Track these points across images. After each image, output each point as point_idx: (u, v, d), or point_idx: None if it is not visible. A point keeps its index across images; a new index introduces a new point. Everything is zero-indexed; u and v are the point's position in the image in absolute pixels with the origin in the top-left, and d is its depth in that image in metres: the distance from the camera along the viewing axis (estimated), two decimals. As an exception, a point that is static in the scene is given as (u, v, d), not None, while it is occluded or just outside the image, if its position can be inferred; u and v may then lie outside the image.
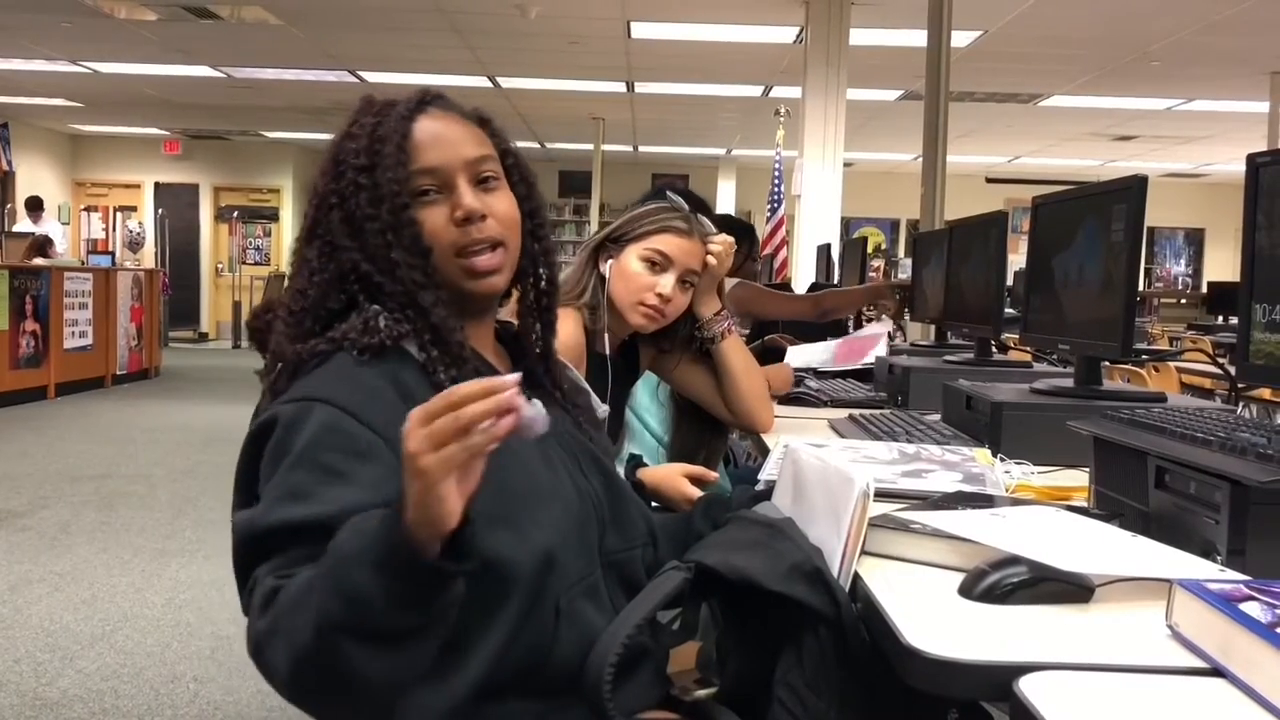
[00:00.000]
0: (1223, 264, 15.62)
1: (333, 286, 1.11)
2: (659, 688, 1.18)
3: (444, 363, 1.08)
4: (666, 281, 1.89)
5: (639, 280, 1.89)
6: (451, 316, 1.11)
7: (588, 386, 1.35)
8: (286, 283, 1.16)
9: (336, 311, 1.11)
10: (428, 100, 1.17)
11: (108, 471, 5.64)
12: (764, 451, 1.87)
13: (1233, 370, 1.64)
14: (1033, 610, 0.94)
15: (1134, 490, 1.20)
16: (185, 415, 7.82)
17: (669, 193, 1.97)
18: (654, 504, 1.83)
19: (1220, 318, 9.57)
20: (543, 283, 1.25)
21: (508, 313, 1.29)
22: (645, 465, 1.90)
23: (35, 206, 11.89)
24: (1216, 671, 0.80)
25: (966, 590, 0.98)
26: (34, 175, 14.15)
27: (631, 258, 1.90)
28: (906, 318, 3.44)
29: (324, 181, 1.14)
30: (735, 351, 1.98)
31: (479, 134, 1.18)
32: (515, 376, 0.85)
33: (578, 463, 1.19)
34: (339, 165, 1.13)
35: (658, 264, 1.89)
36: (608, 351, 1.91)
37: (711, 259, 1.94)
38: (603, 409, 1.38)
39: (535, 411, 0.87)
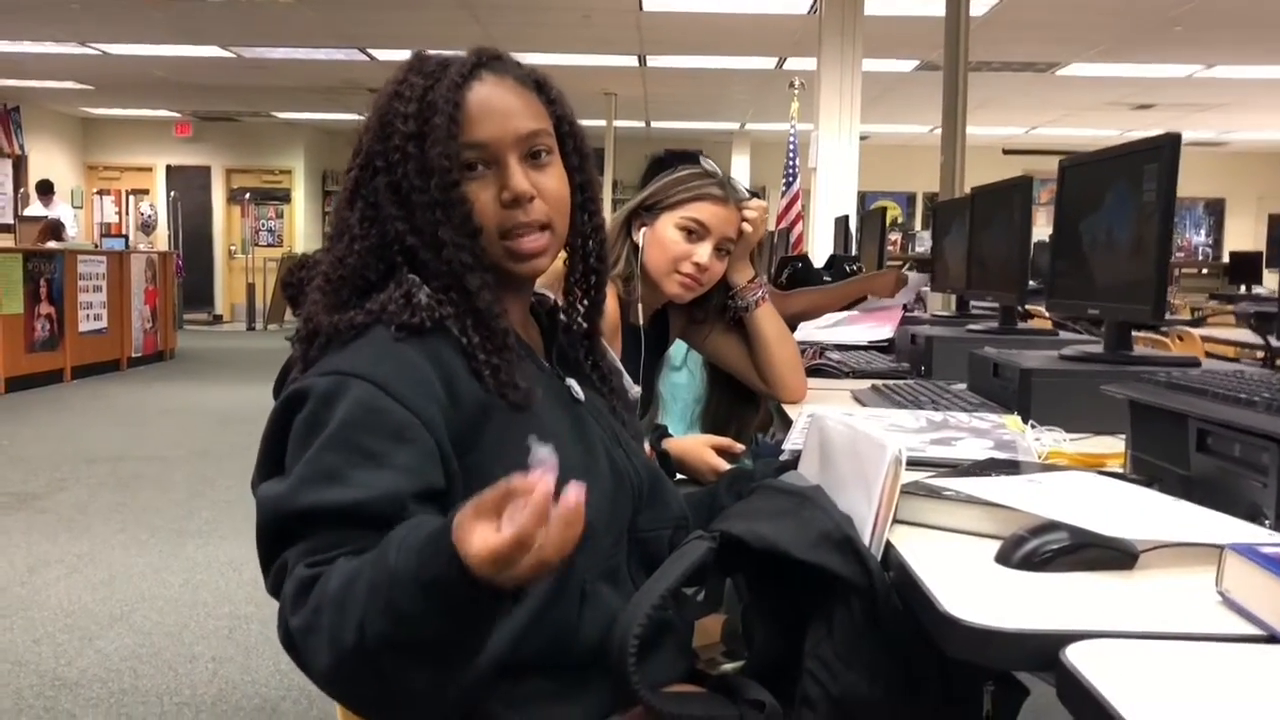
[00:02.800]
0: (1243, 234, 15.45)
1: (373, 255, 1.07)
2: (684, 660, 1.15)
3: (485, 349, 1.04)
4: (704, 250, 1.85)
5: (675, 249, 1.85)
6: (496, 301, 1.07)
7: (622, 368, 1.32)
8: (325, 244, 1.12)
9: (374, 281, 1.07)
10: (482, 63, 1.10)
11: (124, 453, 5.65)
12: (786, 425, 1.84)
13: (1271, 339, 1.59)
14: (1074, 578, 0.90)
15: (1174, 454, 1.16)
16: (200, 397, 7.84)
17: (702, 159, 1.92)
18: (679, 475, 1.80)
19: (1242, 287, 9.46)
20: (592, 259, 1.21)
21: (551, 285, 1.25)
22: (670, 435, 1.87)
23: (46, 190, 11.92)
24: (1272, 638, 0.76)
25: (1004, 557, 0.94)
26: (46, 159, 14.17)
27: (667, 226, 1.86)
28: (927, 287, 3.34)
29: (369, 139, 1.08)
30: (768, 320, 1.95)
31: (534, 102, 1.12)
32: (581, 493, 0.80)
33: (617, 441, 1.16)
34: (385, 127, 1.07)
35: (695, 232, 1.85)
36: (642, 322, 1.87)
37: (747, 225, 1.90)
38: (634, 390, 1.34)
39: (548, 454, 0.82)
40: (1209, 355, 4.20)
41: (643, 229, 1.88)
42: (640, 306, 1.87)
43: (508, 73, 1.12)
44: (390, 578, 0.82)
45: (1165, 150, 1.61)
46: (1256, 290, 8.87)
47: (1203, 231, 15.94)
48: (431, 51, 1.13)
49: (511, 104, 1.10)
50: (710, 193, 1.86)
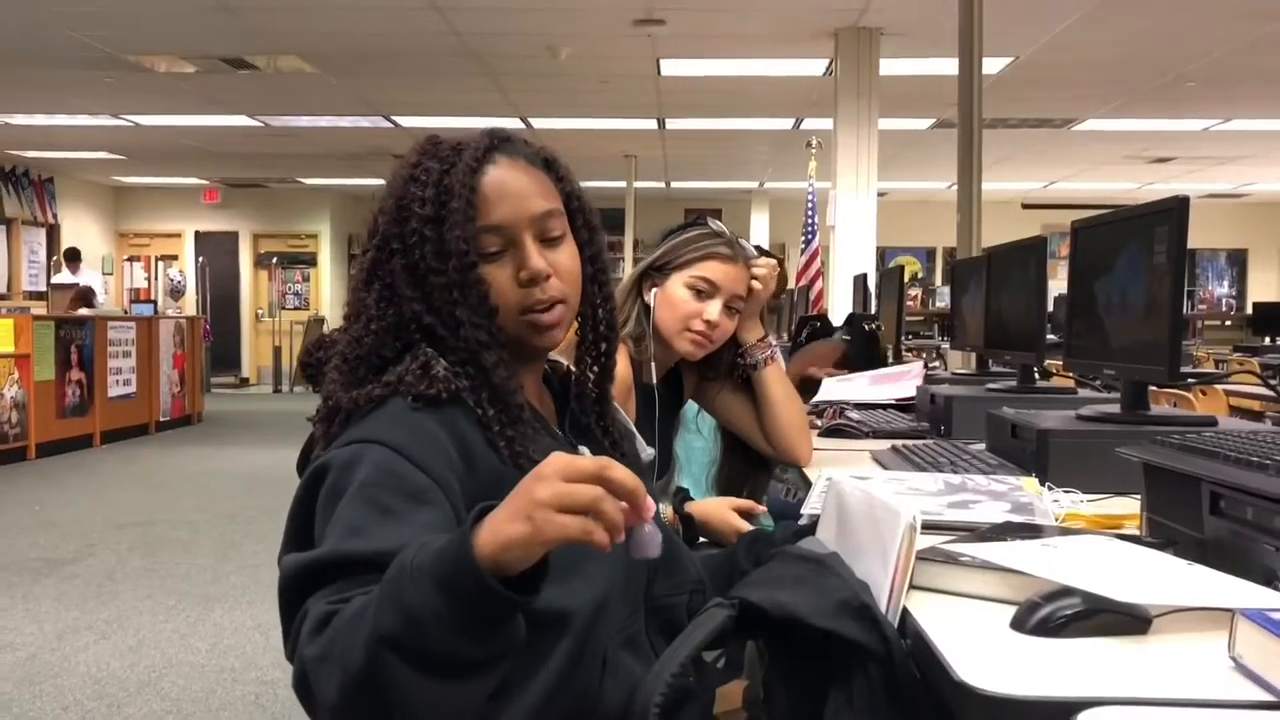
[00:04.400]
0: (1266, 284, 15.38)
1: (389, 334, 1.10)
2: (706, 728, 1.16)
3: (500, 421, 1.07)
4: (713, 308, 1.88)
5: (685, 308, 1.88)
6: (512, 377, 1.10)
7: (635, 431, 1.34)
8: (343, 323, 1.15)
9: (390, 359, 1.10)
10: (495, 146, 1.14)
11: (152, 518, 5.69)
12: (806, 485, 1.85)
13: (1285, 392, 1.60)
14: (1088, 643, 0.91)
15: (1188, 517, 1.17)
16: (228, 460, 7.89)
17: (710, 220, 1.97)
18: (701, 539, 1.82)
19: (1267, 338, 9.41)
20: (602, 327, 1.24)
21: (563, 352, 1.29)
22: (692, 499, 1.89)
23: (73, 258, 12.10)
24: (1284, 705, 0.77)
25: (1019, 623, 0.95)
26: (79, 228, 14.44)
27: (677, 285, 1.90)
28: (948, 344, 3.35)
29: (385, 223, 1.12)
30: (776, 380, 1.96)
31: (545, 182, 1.16)
32: (653, 506, 0.87)
33: None
34: (402, 211, 1.11)
35: (704, 291, 1.88)
36: (654, 382, 1.90)
37: (756, 284, 1.93)
38: (648, 452, 1.37)
39: (653, 532, 0.88)
40: (1234, 409, 4.18)
41: (653, 289, 1.91)
42: (653, 366, 1.90)
43: (519, 154, 1.16)
44: (400, 570, 0.83)
45: (1175, 212, 1.63)
46: (1281, 341, 8.83)
47: (1225, 283, 15.86)
48: (443, 134, 1.17)
49: (525, 186, 1.14)
50: (718, 251, 1.90)
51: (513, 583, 0.82)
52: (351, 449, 1.01)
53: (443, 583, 0.81)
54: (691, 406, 2.11)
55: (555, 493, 0.81)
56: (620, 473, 0.83)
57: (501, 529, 0.82)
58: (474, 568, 0.80)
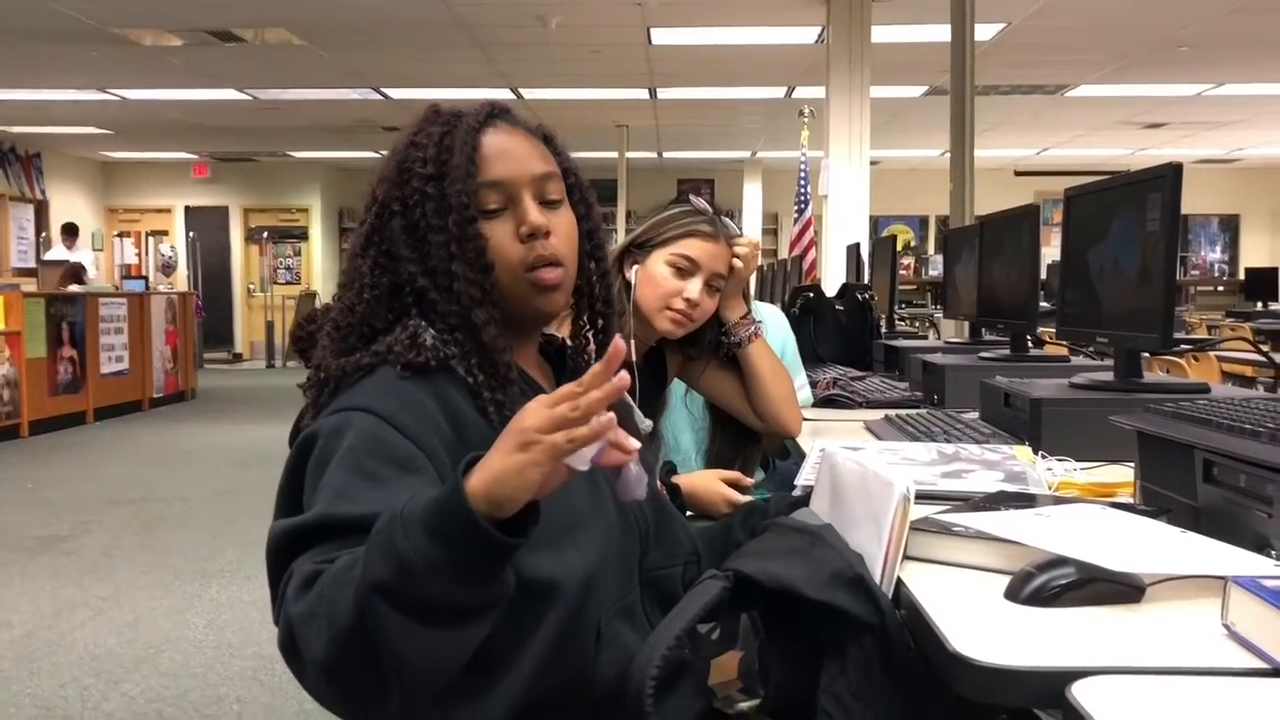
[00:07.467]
0: (1259, 249, 15.38)
1: (382, 303, 1.10)
2: (701, 699, 1.17)
3: (490, 386, 1.07)
4: (693, 286, 1.87)
5: (665, 285, 1.87)
6: (501, 337, 1.10)
7: (632, 403, 1.34)
8: (338, 292, 1.15)
9: (380, 330, 1.10)
10: (495, 114, 1.16)
11: (147, 494, 5.69)
12: (801, 455, 1.85)
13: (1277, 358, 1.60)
14: (1082, 612, 0.92)
15: (1181, 485, 1.17)
16: (222, 436, 7.89)
17: (692, 197, 1.95)
18: (689, 511, 1.82)
19: (1259, 304, 9.43)
20: (599, 304, 1.24)
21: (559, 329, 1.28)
22: (677, 472, 1.89)
23: (71, 233, 12.03)
24: (1276, 671, 0.77)
25: (1013, 593, 0.95)
26: (68, 203, 14.34)
27: (658, 263, 1.88)
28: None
29: (385, 188, 1.13)
30: (762, 355, 1.96)
31: (543, 150, 1.17)
32: (636, 445, 0.89)
33: None
34: (403, 172, 1.11)
35: (684, 269, 1.87)
36: (634, 359, 1.89)
37: (738, 261, 1.92)
38: (646, 424, 1.36)
39: (640, 474, 0.90)
40: (1226, 376, 4.19)
41: (634, 266, 1.90)
42: (632, 343, 1.89)
43: (518, 123, 1.18)
44: (390, 521, 0.84)
45: (1168, 179, 1.63)
46: (1274, 306, 8.84)
47: (1218, 248, 15.86)
48: (444, 104, 1.18)
49: (525, 148, 1.15)
50: (699, 229, 1.89)
51: (502, 527, 0.83)
52: (339, 416, 1.01)
53: (434, 528, 0.82)
54: (679, 385, 2.10)
55: (543, 416, 0.83)
56: (586, 377, 0.85)
57: (493, 464, 0.83)
58: (466, 511, 0.82)
